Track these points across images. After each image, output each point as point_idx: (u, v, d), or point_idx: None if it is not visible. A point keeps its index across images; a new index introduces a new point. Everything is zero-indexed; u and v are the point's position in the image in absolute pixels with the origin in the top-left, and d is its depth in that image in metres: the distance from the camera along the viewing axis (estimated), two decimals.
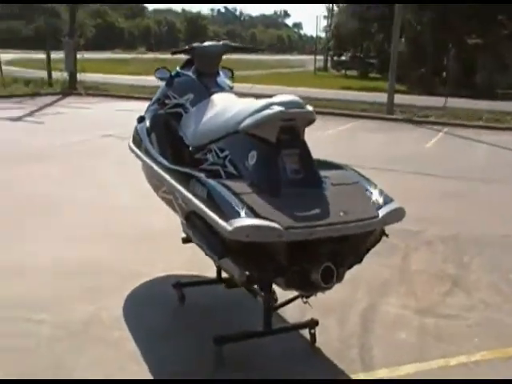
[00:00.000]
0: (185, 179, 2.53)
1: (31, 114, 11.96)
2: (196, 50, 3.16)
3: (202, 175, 2.43)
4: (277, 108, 2.35)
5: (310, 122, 2.46)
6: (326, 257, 2.20)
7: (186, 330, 3.01)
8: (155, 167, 2.88)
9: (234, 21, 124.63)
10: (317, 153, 2.50)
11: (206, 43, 3.22)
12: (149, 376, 2.57)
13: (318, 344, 2.85)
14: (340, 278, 2.30)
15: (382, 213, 2.29)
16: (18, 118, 11.03)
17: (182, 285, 3.28)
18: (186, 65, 3.28)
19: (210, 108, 2.89)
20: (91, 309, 3.16)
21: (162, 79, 3.30)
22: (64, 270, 3.70)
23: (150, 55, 44.21)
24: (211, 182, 2.32)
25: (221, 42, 3.25)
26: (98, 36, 66.25)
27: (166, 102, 3.24)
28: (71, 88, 16.82)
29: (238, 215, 2.10)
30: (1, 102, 13.60)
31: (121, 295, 3.36)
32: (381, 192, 2.43)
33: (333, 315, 3.21)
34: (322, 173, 2.50)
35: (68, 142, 8.52)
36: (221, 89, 3.08)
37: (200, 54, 3.16)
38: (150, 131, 3.19)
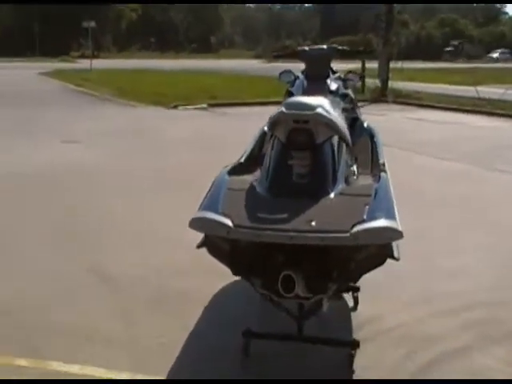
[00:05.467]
0: None
1: None
2: (298, 54, 3.24)
3: (228, 168, 2.58)
4: (281, 108, 2.35)
5: (328, 126, 2.36)
6: (288, 265, 2.13)
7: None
8: None
9: None
10: None
11: (312, 47, 3.26)
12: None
13: (355, 367, 2.65)
14: (316, 292, 2.19)
15: (356, 229, 2.07)
16: None
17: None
18: None
19: None
20: None
21: (287, 82, 3.46)
22: None
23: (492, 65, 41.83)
24: (222, 174, 2.47)
25: (326, 46, 3.26)
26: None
27: None
28: (381, 95, 17.42)
29: (204, 208, 2.22)
30: None
31: None
32: (383, 209, 2.18)
33: (410, 344, 2.90)
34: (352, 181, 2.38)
35: None
36: (317, 91, 3.06)
37: (304, 58, 3.23)
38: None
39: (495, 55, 55.44)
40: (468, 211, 5.40)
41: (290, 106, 2.38)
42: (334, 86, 3.19)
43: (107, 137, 9.47)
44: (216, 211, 2.19)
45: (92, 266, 3.86)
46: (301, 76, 3.34)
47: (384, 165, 2.83)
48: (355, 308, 3.22)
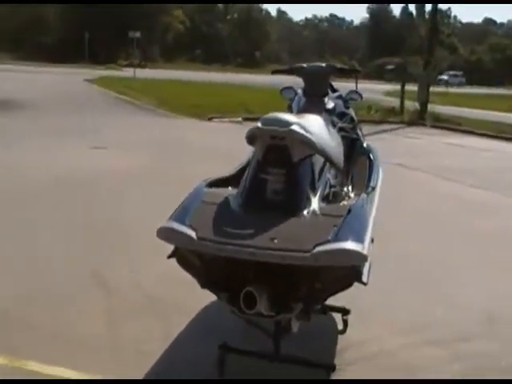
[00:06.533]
0: None
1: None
2: (296, 70, 3.22)
3: (209, 180, 2.57)
4: (258, 124, 2.33)
5: (304, 143, 2.31)
6: (250, 281, 2.10)
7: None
8: None
9: None
10: None
11: (310, 64, 3.23)
12: None
13: None
14: (279, 311, 2.15)
15: (317, 249, 2.02)
16: None
17: None
18: None
19: None
20: None
21: (289, 99, 3.43)
22: None
23: None
24: (199, 186, 2.45)
25: (324, 64, 3.22)
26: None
27: None
28: (420, 118, 17.18)
29: (173, 218, 2.21)
30: None
31: None
32: (353, 231, 2.12)
33: None
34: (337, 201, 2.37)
35: None
36: (313, 109, 3.00)
37: (302, 75, 3.20)
38: None
39: (445, 77, 49.24)
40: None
41: (265, 121, 2.34)
42: (330, 104, 3.14)
43: (134, 144, 9.62)
44: (183, 223, 2.18)
45: None
46: (299, 92, 3.30)
47: (374, 188, 2.77)
48: (344, 331, 3.13)
